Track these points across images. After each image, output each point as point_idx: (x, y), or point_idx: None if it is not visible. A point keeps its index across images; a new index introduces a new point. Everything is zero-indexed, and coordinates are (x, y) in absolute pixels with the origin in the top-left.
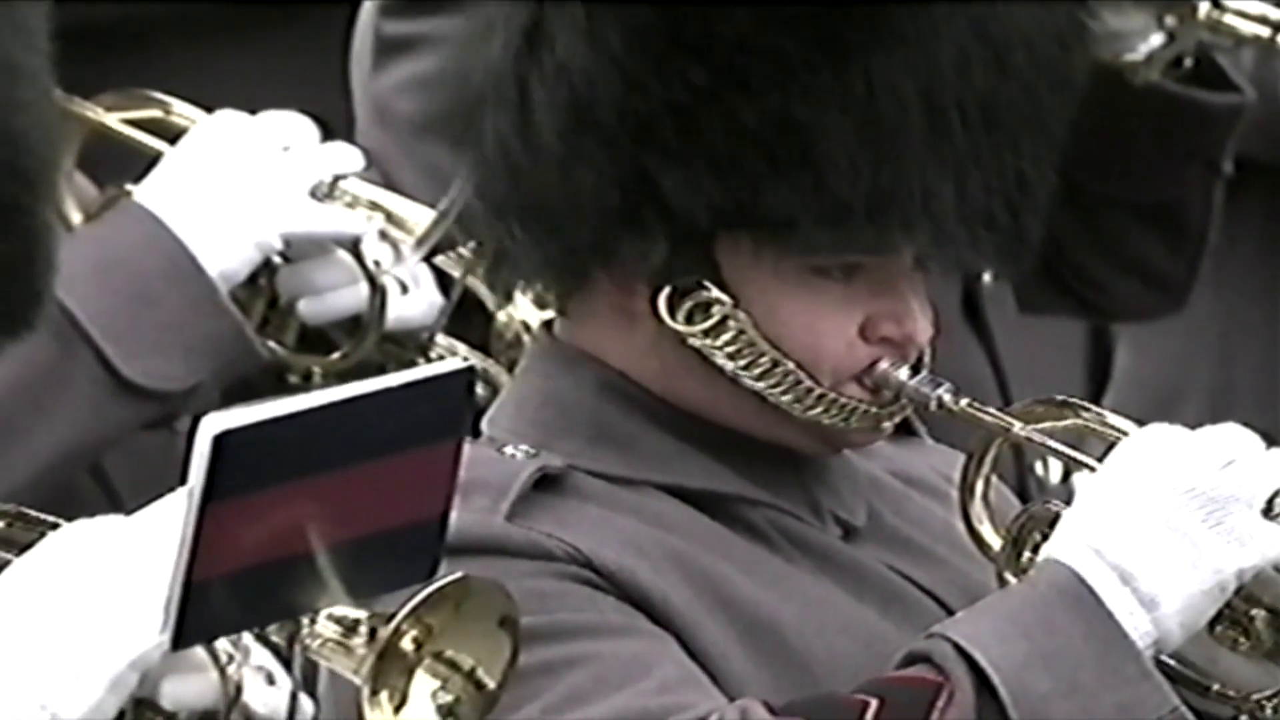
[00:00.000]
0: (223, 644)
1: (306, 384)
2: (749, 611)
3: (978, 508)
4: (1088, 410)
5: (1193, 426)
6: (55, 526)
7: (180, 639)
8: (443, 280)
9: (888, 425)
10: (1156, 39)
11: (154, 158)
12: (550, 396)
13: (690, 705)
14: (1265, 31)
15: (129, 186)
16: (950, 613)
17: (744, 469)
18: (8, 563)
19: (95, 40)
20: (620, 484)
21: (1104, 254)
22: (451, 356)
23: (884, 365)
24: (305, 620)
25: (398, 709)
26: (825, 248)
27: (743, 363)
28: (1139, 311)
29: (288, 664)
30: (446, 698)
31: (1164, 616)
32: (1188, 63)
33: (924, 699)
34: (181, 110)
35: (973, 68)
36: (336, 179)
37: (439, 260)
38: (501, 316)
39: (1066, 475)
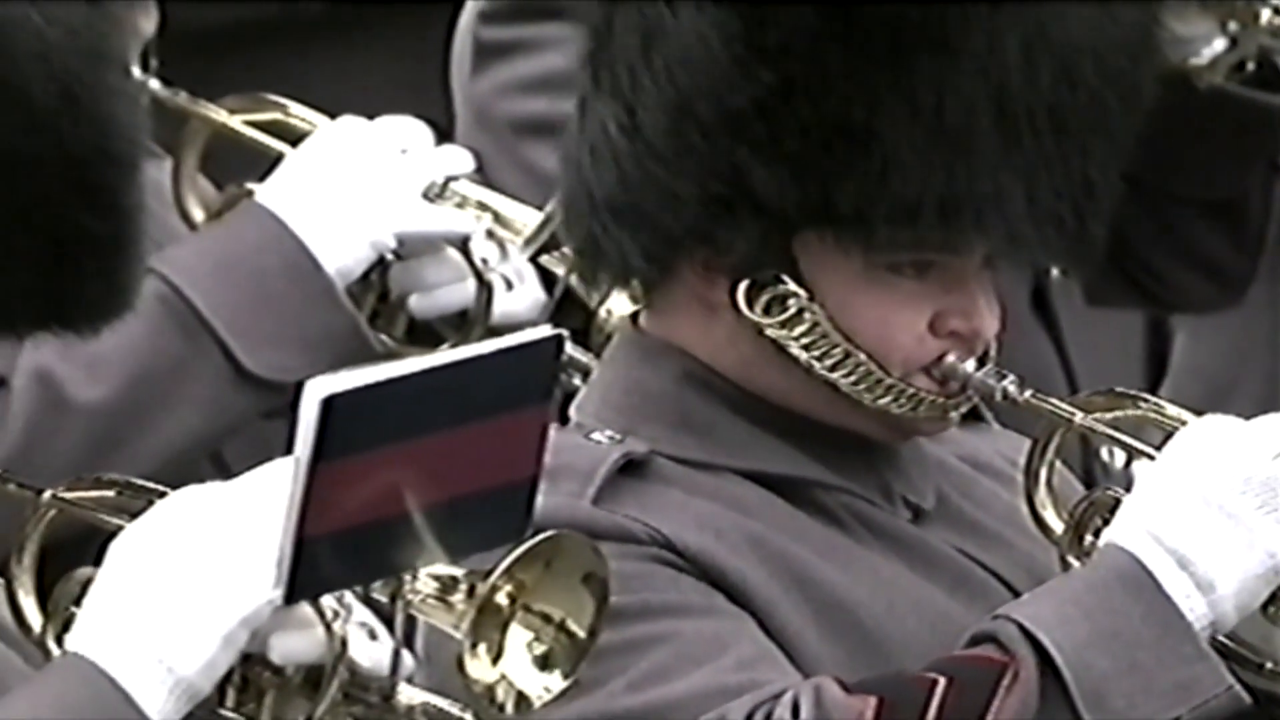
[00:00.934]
0: (328, 601)
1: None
2: (823, 592)
3: (1041, 493)
4: (1146, 401)
5: (1247, 416)
6: (163, 494)
7: (292, 594)
8: (545, 278)
9: (954, 415)
10: (1220, 44)
11: (275, 158)
12: (634, 385)
13: (766, 682)
14: None
15: (250, 186)
16: (1015, 594)
17: (818, 454)
18: (121, 528)
19: (210, 42)
20: (700, 469)
21: (1169, 248)
22: None
23: (952, 358)
24: (407, 577)
25: (495, 660)
26: (900, 245)
27: (817, 353)
28: (1200, 304)
29: (389, 621)
30: (540, 648)
31: (1220, 599)
32: (1250, 66)
33: (990, 678)
34: (300, 113)
35: (1040, 76)
36: (448, 181)
37: (543, 259)
38: (601, 312)
39: (1130, 462)
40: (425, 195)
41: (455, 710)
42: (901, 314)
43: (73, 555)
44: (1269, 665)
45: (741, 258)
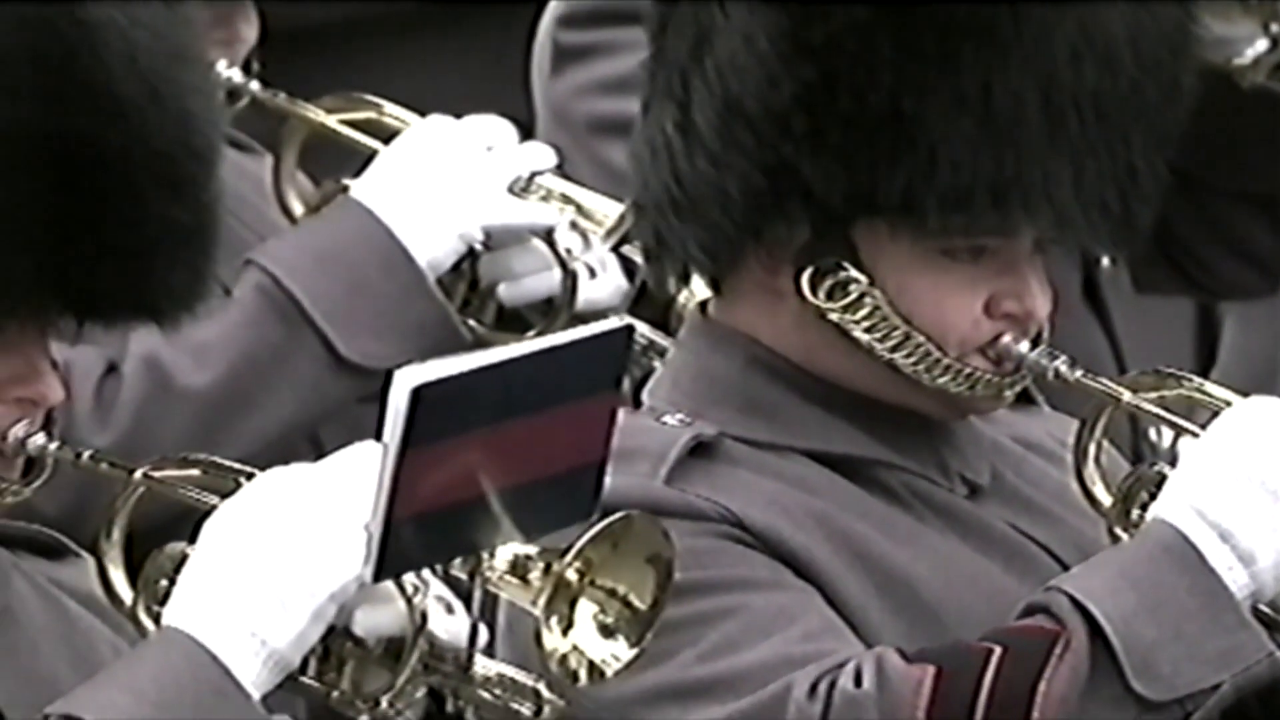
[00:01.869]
0: (408, 577)
1: None
2: (885, 567)
3: (1090, 469)
4: (1190, 381)
5: None
6: (248, 475)
7: (380, 573)
8: (627, 266)
9: (1009, 394)
10: (1262, 44)
11: (369, 155)
12: (703, 370)
13: (831, 652)
14: None
15: (345, 181)
16: (1065, 567)
17: (879, 434)
18: (213, 507)
19: (304, 41)
20: (767, 450)
21: (1214, 239)
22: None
23: (1006, 339)
24: (485, 556)
25: (565, 631)
26: (954, 231)
27: (877, 335)
28: (1244, 291)
29: (466, 597)
30: (606, 619)
31: (1260, 570)
32: None
33: (1043, 647)
34: (393, 111)
35: (1084, 67)
36: (533, 175)
37: (624, 248)
38: (680, 298)
39: (1176, 440)
40: (511, 190)
41: (527, 680)
42: (957, 297)
43: (159, 540)
44: None
45: (804, 247)
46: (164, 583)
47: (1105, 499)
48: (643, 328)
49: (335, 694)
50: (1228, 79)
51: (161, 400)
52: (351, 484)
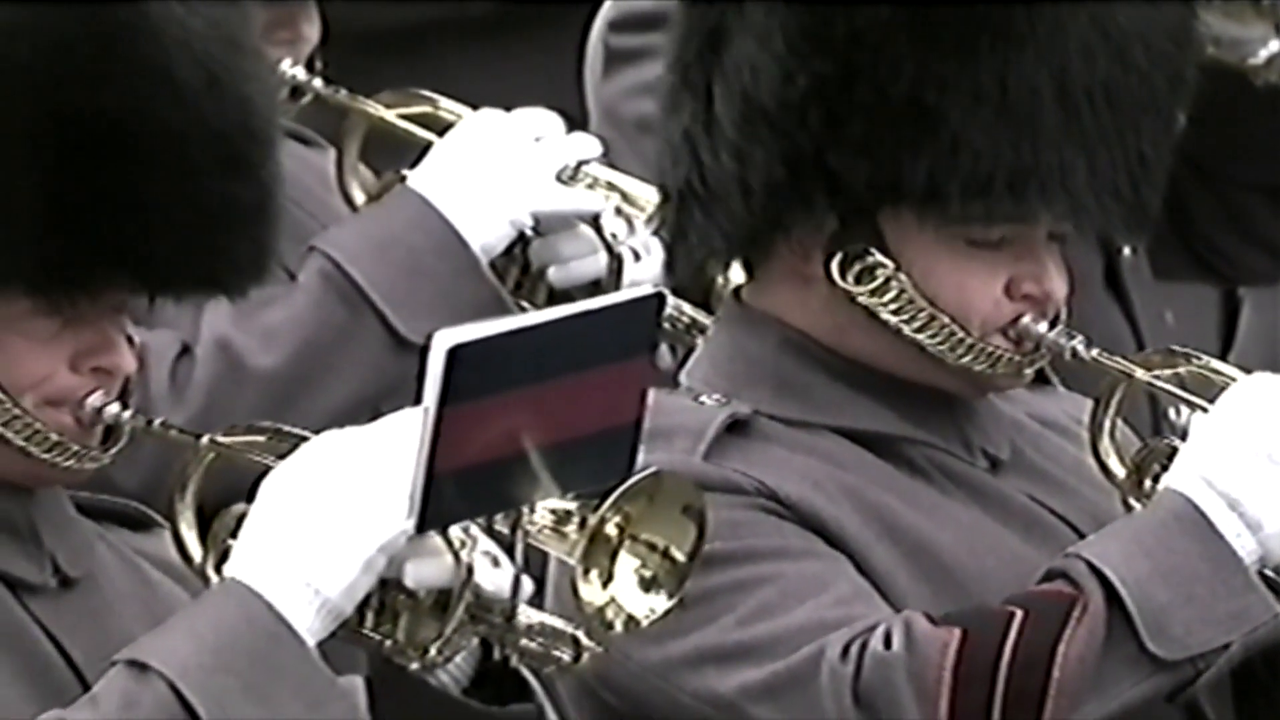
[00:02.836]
0: (455, 531)
1: None
2: (911, 537)
3: (1105, 442)
4: (1199, 359)
5: None
6: (306, 439)
7: (423, 524)
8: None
9: (1029, 372)
10: (1275, 45)
11: (425, 147)
12: (738, 352)
13: (862, 616)
14: None
15: (403, 172)
16: (1081, 536)
17: (905, 411)
18: (270, 468)
19: (372, 43)
20: (799, 427)
21: (1232, 228)
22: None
23: (1026, 319)
24: (525, 510)
25: (605, 584)
26: (975, 217)
27: (904, 317)
28: (1260, 278)
29: (510, 551)
30: (647, 573)
31: (1268, 537)
32: None
33: (1062, 610)
34: (448, 106)
35: (1097, 59)
36: (580, 164)
37: None
38: (719, 280)
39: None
40: (559, 178)
41: (567, 628)
42: (979, 280)
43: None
44: None
45: (833, 235)
46: (229, 540)
47: (1119, 471)
48: (686, 307)
49: (389, 643)
50: (1242, 78)
51: (232, 380)
52: (398, 443)
